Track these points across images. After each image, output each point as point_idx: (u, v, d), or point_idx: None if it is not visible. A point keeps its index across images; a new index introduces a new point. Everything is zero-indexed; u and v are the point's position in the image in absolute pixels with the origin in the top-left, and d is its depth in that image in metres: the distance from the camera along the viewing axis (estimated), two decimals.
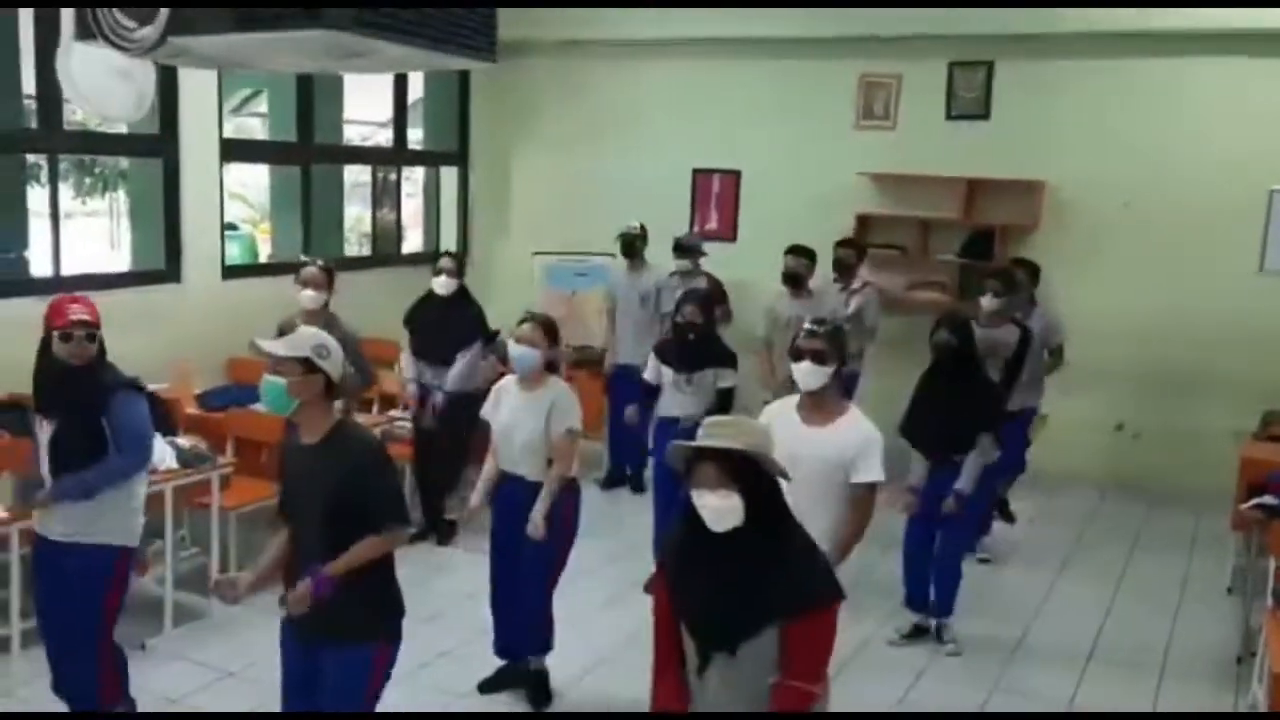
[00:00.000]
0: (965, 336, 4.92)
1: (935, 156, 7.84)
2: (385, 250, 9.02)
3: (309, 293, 5.48)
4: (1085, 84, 7.55)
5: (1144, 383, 7.42)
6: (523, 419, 4.21)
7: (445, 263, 6.19)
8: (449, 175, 9.37)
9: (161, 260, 6.84)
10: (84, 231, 13.75)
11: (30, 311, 5.84)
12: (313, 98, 7.86)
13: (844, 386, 4.33)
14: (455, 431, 5.96)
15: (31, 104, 6.26)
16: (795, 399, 3.84)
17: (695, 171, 8.75)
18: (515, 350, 4.23)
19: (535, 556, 4.22)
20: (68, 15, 4.14)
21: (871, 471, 3.68)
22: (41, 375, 3.61)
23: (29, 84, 6.20)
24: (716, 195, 8.73)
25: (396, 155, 9.15)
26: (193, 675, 4.41)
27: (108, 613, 3.70)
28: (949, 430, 4.83)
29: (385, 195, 9.45)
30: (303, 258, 6.02)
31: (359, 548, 3.04)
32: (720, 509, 2.47)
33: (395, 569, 3.21)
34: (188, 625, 4.89)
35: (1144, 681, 4.78)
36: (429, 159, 9.50)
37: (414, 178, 9.85)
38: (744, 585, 2.47)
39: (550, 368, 4.32)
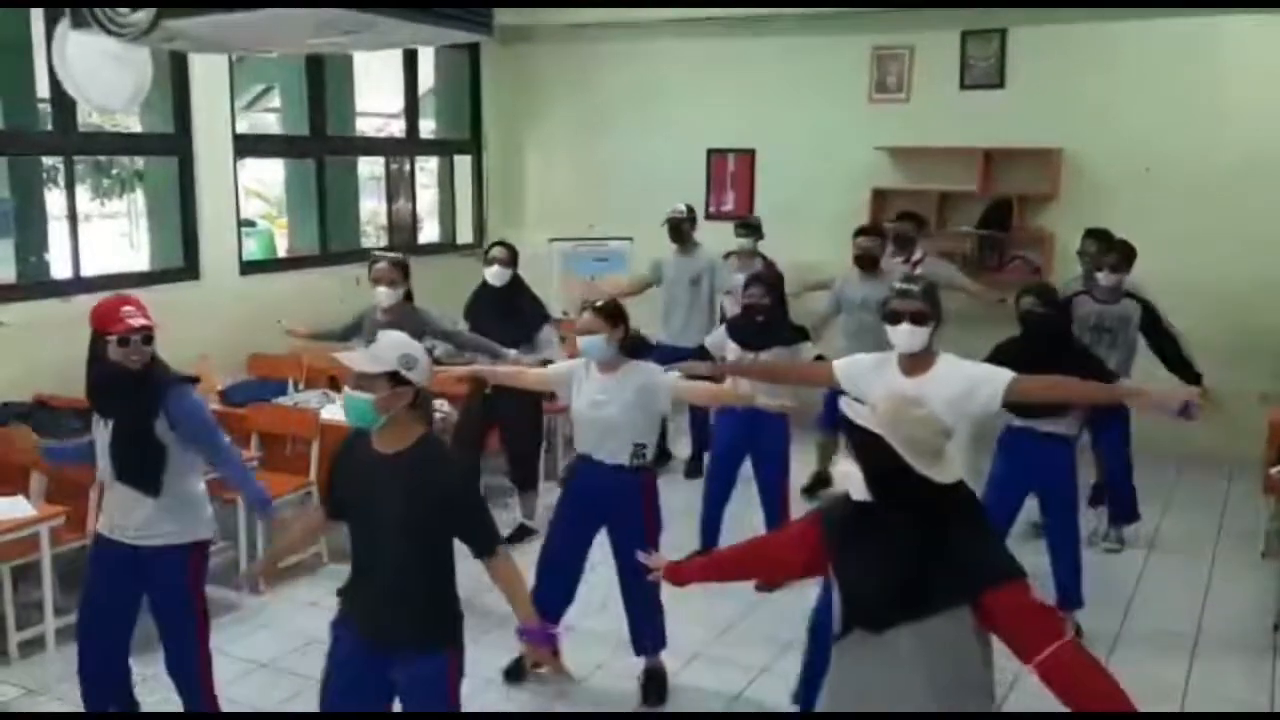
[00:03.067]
0: (1056, 305, 4.71)
1: (950, 127, 7.77)
2: (402, 241, 9.03)
3: (383, 289, 5.38)
4: (1101, 47, 7.46)
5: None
6: (604, 402, 4.12)
7: (497, 252, 6.06)
8: (463, 164, 9.37)
9: (180, 258, 6.88)
10: (103, 234, 13.82)
11: (52, 313, 5.96)
12: (324, 91, 7.87)
13: None
14: (529, 427, 5.97)
15: (46, 107, 6.30)
16: (882, 357, 3.77)
17: (710, 151, 8.71)
18: (582, 342, 4.13)
19: (626, 536, 4.11)
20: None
21: (1000, 375, 3.61)
22: (97, 378, 3.52)
23: (43, 88, 6.24)
24: (732, 174, 8.69)
25: (410, 145, 9.15)
26: (226, 667, 4.42)
27: (198, 610, 3.68)
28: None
29: (400, 186, 9.45)
30: (374, 253, 5.92)
31: (511, 580, 3.02)
32: (848, 477, 2.47)
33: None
34: (218, 618, 4.91)
35: (1178, 650, 4.75)
36: (442, 148, 9.49)
37: (428, 168, 9.86)
38: (899, 567, 2.39)
39: (629, 352, 4.18)
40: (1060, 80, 7.57)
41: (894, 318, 3.63)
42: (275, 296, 7.12)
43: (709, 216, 8.69)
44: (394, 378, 2.89)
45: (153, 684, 4.09)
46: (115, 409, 3.53)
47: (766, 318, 5.24)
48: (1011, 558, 2.42)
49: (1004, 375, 3.61)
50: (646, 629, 4.32)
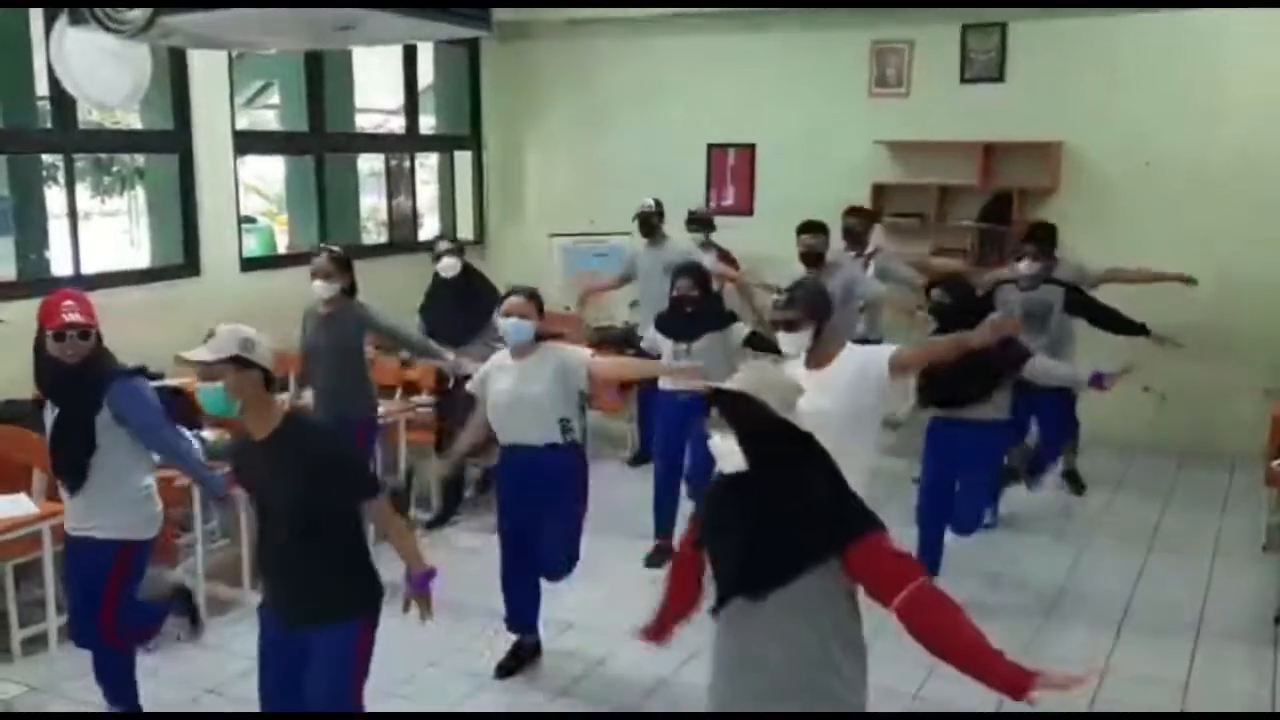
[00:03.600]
0: (960, 295, 4.96)
1: (950, 122, 7.76)
2: (402, 237, 9.03)
3: (319, 283, 5.33)
4: (1101, 41, 7.45)
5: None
6: (526, 387, 4.23)
7: (443, 245, 6.23)
8: (463, 160, 9.37)
9: (180, 255, 6.88)
10: (104, 231, 13.81)
11: None
12: (324, 87, 7.87)
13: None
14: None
15: (46, 105, 6.29)
16: (794, 359, 3.96)
17: (710, 146, 8.70)
18: (507, 324, 4.26)
19: (560, 511, 4.35)
20: None
21: (883, 350, 3.94)
22: (39, 369, 3.67)
23: (42, 86, 6.23)
24: (732, 169, 8.69)
25: (409, 141, 9.15)
26: (229, 664, 4.44)
27: (106, 603, 3.73)
28: (962, 383, 4.76)
29: (400, 182, 9.44)
30: (320, 246, 6.00)
31: (392, 525, 3.22)
32: (720, 449, 2.54)
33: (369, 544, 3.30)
34: (220, 616, 4.93)
35: (1180, 643, 4.74)
36: (442, 144, 9.49)
37: (428, 164, 9.85)
38: (764, 530, 2.49)
39: (541, 339, 4.34)
40: (1060, 74, 7.56)
41: (774, 326, 3.98)
42: (276, 293, 7.08)
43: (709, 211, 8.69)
44: (237, 361, 3.02)
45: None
46: (60, 399, 3.66)
47: (695, 308, 5.38)
48: (869, 511, 2.52)
49: (886, 350, 3.95)
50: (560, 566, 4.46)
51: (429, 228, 9.69)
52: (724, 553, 2.61)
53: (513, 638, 4.56)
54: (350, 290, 5.41)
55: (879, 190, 8.02)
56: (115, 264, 8.37)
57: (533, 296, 4.32)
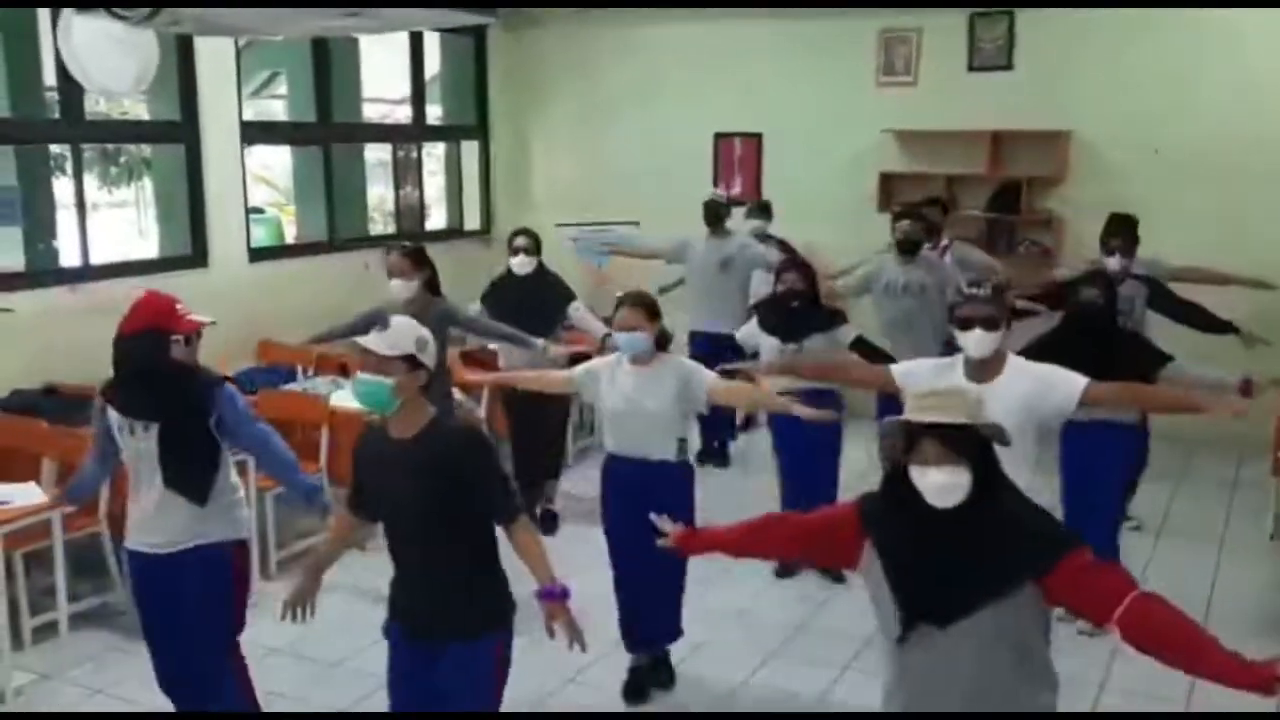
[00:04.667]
0: (1112, 296, 4.70)
1: (958, 110, 7.73)
2: (410, 228, 9.03)
3: (397, 282, 5.11)
4: (1109, 28, 7.41)
5: (1180, 331, 7.31)
6: (645, 400, 4.02)
7: (521, 241, 5.94)
8: (470, 150, 9.36)
9: (188, 246, 6.89)
10: (112, 222, 13.84)
11: (61, 301, 5.98)
12: (331, 77, 7.87)
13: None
14: (557, 415, 5.95)
15: (53, 95, 6.31)
16: (944, 363, 3.69)
17: (717, 135, 8.69)
18: (622, 338, 4.04)
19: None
20: None
21: (1074, 380, 3.52)
22: (139, 378, 3.39)
23: (50, 76, 6.25)
24: (739, 159, 8.67)
25: (416, 131, 9.15)
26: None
27: (236, 609, 3.57)
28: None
29: (407, 172, 9.45)
30: (390, 247, 5.71)
31: (530, 546, 3.01)
32: (947, 485, 2.35)
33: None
34: None
35: None
36: (449, 134, 9.49)
37: (435, 154, 9.85)
38: (964, 556, 2.36)
39: (660, 345, 4.10)
40: (1069, 62, 7.53)
41: (965, 323, 3.51)
42: (284, 283, 7.14)
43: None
44: (410, 360, 2.90)
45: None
46: (159, 409, 3.39)
47: (802, 305, 5.07)
48: (1067, 529, 2.41)
49: (1078, 381, 3.54)
50: (664, 620, 4.22)
51: (436, 218, 9.69)
52: (914, 578, 2.43)
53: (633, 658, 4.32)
54: (431, 284, 5.21)
55: (886, 179, 7.99)
56: (123, 255, 8.37)
57: (642, 303, 4.06)
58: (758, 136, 8.58)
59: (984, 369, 3.54)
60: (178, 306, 3.43)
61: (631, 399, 4.05)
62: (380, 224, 9.98)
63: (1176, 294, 5.77)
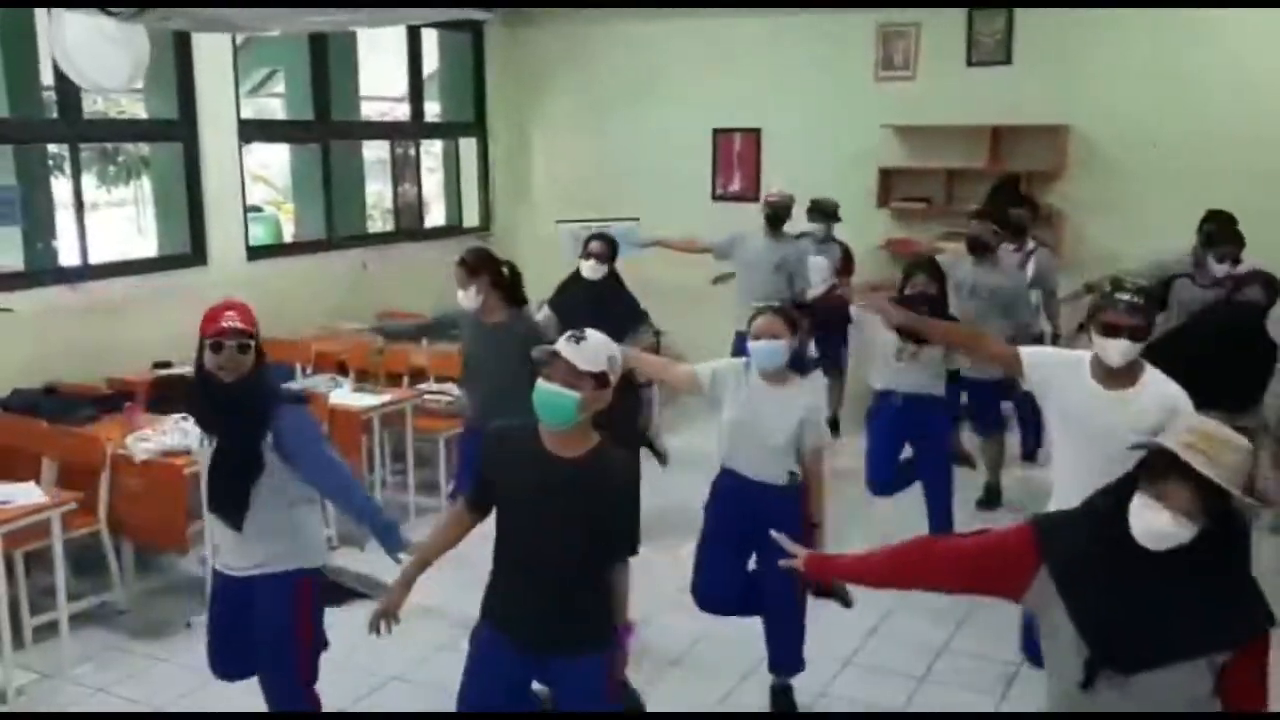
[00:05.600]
0: (1274, 299, 4.55)
1: (957, 105, 7.73)
2: (409, 225, 9.03)
3: (460, 293, 4.73)
4: (1108, 23, 7.39)
5: None
6: (768, 423, 3.81)
7: (596, 246, 5.70)
8: (468, 147, 9.36)
9: (187, 244, 6.89)
10: (111, 221, 13.85)
11: (61, 300, 5.97)
12: (328, 75, 7.86)
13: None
14: (628, 415, 5.83)
15: (51, 95, 6.30)
16: (1073, 358, 3.49)
17: (716, 131, 8.68)
18: (755, 347, 3.78)
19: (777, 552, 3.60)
20: None
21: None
22: (197, 391, 3.28)
23: (47, 76, 6.24)
24: (738, 154, 8.66)
25: (414, 129, 9.13)
26: None
27: (301, 645, 3.40)
28: (1241, 391, 4.39)
29: (406, 170, 9.44)
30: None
31: (622, 585, 2.99)
32: (1168, 535, 2.13)
33: None
34: None
35: None
36: (447, 131, 9.48)
37: (434, 151, 9.84)
38: (1181, 609, 2.17)
39: (794, 364, 3.89)
40: (1068, 56, 7.52)
41: (1112, 330, 3.27)
42: (283, 282, 7.13)
43: (715, 197, 8.69)
44: (599, 379, 2.82)
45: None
46: (216, 425, 3.25)
47: (932, 308, 4.75)
48: (1269, 606, 2.22)
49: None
50: (785, 652, 4.04)
51: (435, 215, 9.68)
52: (1105, 619, 2.23)
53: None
54: (500, 286, 4.69)
55: (886, 174, 8.00)
56: (122, 254, 8.37)
57: (782, 313, 3.86)
58: (756, 132, 8.57)
59: (1115, 376, 3.35)
60: (224, 312, 3.20)
61: (755, 416, 3.82)
62: (379, 222, 9.97)
63: None
